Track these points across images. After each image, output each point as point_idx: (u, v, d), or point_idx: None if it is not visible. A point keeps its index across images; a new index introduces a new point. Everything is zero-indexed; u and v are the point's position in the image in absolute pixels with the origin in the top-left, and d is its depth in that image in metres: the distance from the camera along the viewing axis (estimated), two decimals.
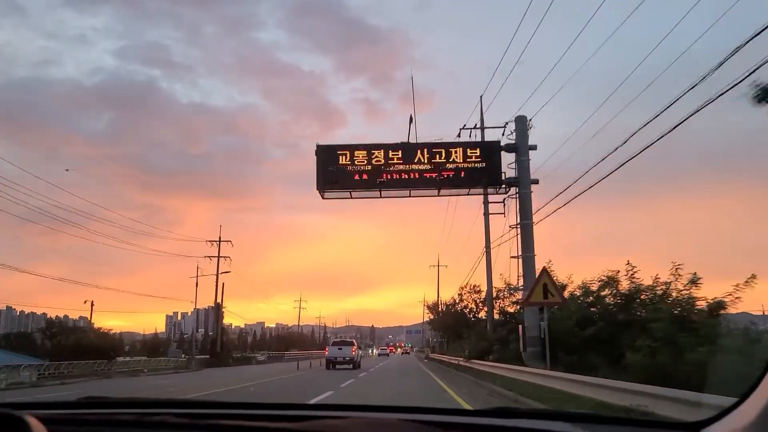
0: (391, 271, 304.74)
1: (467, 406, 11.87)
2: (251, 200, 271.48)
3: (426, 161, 20.43)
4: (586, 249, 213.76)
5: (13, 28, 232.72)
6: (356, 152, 20.72)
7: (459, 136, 23.60)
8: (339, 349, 34.45)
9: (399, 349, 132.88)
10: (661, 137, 12.16)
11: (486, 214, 27.01)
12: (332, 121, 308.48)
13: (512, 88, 24.44)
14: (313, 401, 14.40)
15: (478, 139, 23.45)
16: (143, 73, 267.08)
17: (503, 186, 20.97)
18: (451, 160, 20.44)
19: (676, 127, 11.54)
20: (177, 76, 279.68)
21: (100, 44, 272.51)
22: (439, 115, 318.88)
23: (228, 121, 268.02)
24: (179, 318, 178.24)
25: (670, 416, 6.43)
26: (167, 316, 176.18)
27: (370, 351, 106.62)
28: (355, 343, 36.95)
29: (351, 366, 33.28)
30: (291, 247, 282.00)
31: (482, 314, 37.01)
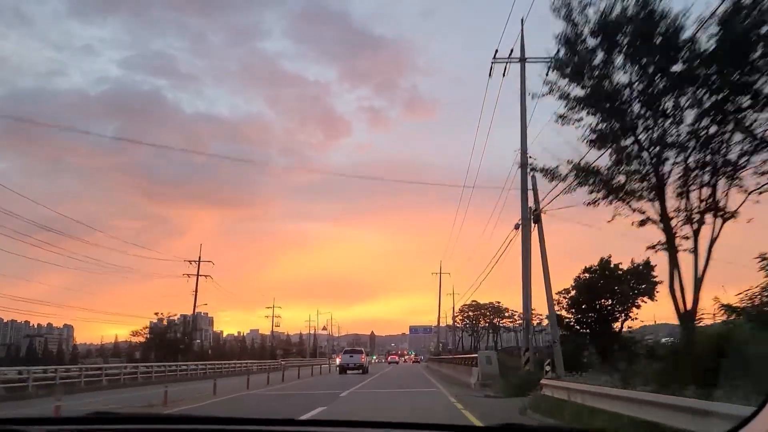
0: (393, 280, 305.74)
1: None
2: (255, 209, 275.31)
3: None
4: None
5: (20, 38, 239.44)
6: None
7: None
8: (350, 356, 42.16)
9: (403, 358, 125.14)
10: None
11: None
12: (337, 129, 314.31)
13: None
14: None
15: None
16: (149, 82, 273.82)
17: None
18: None
19: None
20: (182, 85, 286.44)
21: (106, 54, 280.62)
22: (443, 122, 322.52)
23: (233, 130, 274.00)
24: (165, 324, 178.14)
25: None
26: (151, 323, 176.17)
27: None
28: (364, 351, 46.11)
29: (360, 371, 39.48)
30: (295, 255, 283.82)
31: None
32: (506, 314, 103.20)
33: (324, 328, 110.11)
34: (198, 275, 53.58)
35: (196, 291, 53.34)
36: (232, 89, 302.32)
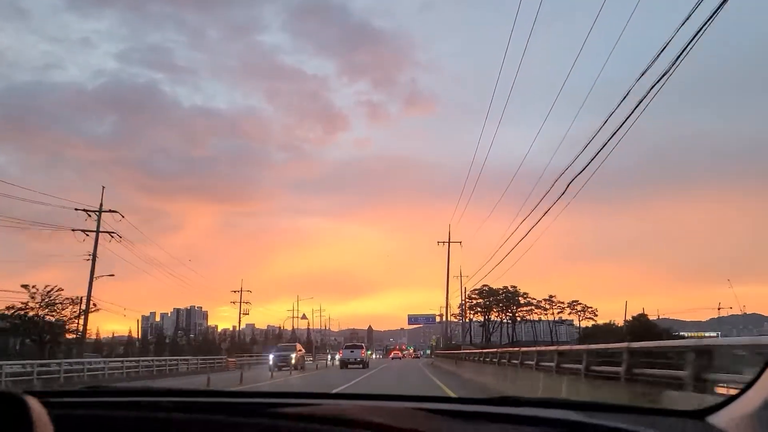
0: (392, 276, 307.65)
1: None
2: (254, 204, 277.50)
3: None
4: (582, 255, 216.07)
5: (16, 32, 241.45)
6: None
7: None
8: (351, 351, 45.40)
9: (402, 353, 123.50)
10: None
11: None
12: (335, 124, 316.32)
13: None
14: None
15: None
16: (146, 76, 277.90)
17: None
18: None
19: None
20: (180, 79, 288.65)
21: (103, 47, 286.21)
22: (442, 119, 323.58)
23: (231, 125, 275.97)
24: (157, 318, 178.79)
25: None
26: (143, 317, 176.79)
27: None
28: (365, 346, 49.35)
29: (361, 366, 42.52)
30: (293, 250, 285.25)
31: None
32: (522, 301, 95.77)
33: (303, 317, 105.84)
34: (98, 231, 36.28)
35: (94, 254, 36.14)
36: (230, 83, 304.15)
